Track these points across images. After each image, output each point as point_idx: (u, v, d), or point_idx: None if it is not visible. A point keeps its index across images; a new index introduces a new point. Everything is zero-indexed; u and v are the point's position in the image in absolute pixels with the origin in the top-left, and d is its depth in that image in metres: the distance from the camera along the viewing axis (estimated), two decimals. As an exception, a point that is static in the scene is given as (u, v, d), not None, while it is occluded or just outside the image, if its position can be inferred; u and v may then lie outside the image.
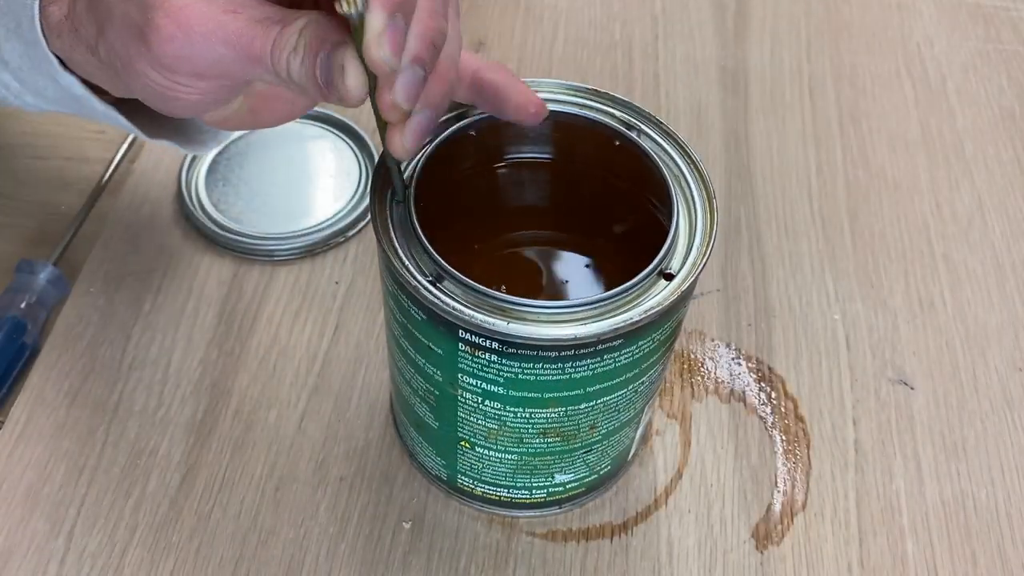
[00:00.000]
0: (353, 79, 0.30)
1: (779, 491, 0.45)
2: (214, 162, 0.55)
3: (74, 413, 0.46)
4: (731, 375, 0.49)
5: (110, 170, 0.56)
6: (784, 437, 0.47)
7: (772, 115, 0.61)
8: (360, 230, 0.53)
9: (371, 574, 0.41)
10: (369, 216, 0.34)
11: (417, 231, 0.33)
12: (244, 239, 0.52)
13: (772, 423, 0.47)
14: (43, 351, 0.48)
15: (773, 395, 0.48)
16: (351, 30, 0.29)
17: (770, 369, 0.49)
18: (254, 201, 0.54)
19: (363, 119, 0.58)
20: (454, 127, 0.37)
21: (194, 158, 0.55)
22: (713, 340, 0.50)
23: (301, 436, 0.45)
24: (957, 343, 0.51)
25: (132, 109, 0.39)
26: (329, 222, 0.53)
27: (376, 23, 0.28)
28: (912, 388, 0.49)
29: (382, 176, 0.35)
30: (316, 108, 0.57)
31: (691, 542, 0.43)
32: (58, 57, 0.37)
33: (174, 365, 0.47)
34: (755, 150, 0.59)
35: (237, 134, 0.44)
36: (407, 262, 0.33)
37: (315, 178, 0.56)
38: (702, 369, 0.49)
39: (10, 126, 0.58)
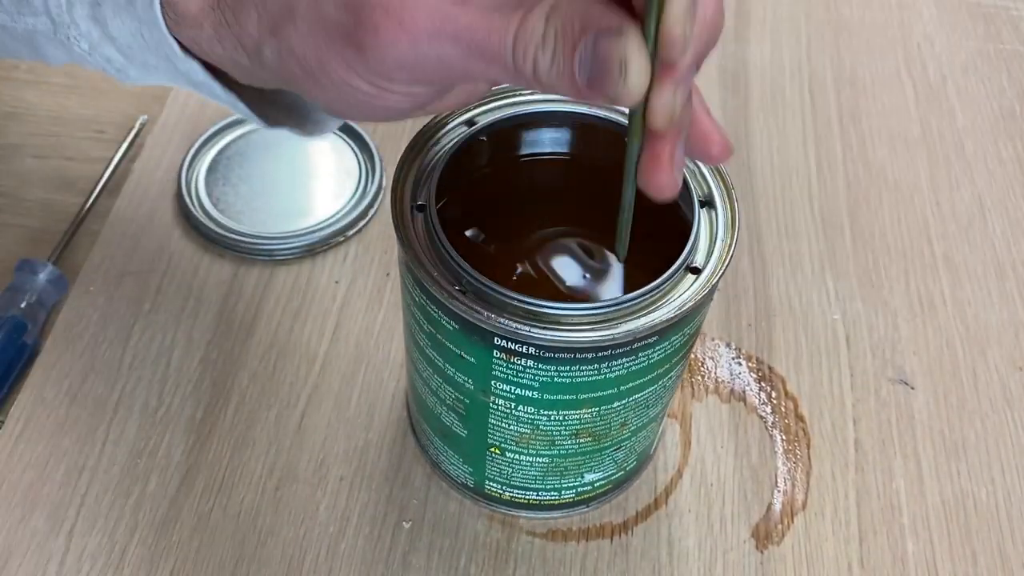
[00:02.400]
0: (637, 75, 0.24)
1: (779, 491, 0.45)
2: (214, 162, 0.55)
3: (74, 413, 0.46)
4: (731, 375, 0.49)
5: (110, 169, 0.56)
6: (784, 437, 0.47)
7: (772, 115, 0.61)
8: (360, 230, 0.53)
9: (371, 574, 0.41)
10: (394, 230, 0.34)
11: (443, 242, 0.33)
12: (244, 239, 0.52)
13: (772, 423, 0.47)
14: (43, 351, 0.48)
15: (773, 395, 0.48)
16: (644, 4, 0.24)
17: (770, 369, 0.49)
18: (254, 201, 0.54)
19: (363, 119, 0.58)
20: (465, 133, 0.37)
21: (194, 156, 0.55)
22: (713, 340, 0.50)
23: (301, 436, 0.45)
24: (957, 343, 0.51)
25: (253, 96, 0.35)
26: (329, 222, 0.53)
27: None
28: (912, 388, 0.49)
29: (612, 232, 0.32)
30: (316, 108, 0.57)
31: (691, 542, 0.43)
32: (177, 40, 0.33)
33: (174, 364, 0.47)
34: (755, 150, 0.59)
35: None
36: (436, 273, 0.33)
37: (315, 178, 0.56)
38: (702, 369, 0.49)
39: (11, 126, 0.58)
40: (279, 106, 0.36)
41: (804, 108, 0.62)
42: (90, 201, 0.54)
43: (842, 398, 0.48)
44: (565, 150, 0.40)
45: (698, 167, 0.37)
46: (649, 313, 0.32)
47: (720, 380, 0.49)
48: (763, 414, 0.47)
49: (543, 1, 0.25)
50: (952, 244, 0.55)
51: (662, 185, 0.27)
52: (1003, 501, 0.45)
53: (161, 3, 0.32)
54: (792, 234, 0.55)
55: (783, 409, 0.48)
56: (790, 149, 0.59)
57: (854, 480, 0.45)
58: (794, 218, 0.56)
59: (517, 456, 0.38)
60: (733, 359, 0.49)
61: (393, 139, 0.58)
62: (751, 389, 0.48)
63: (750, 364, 0.49)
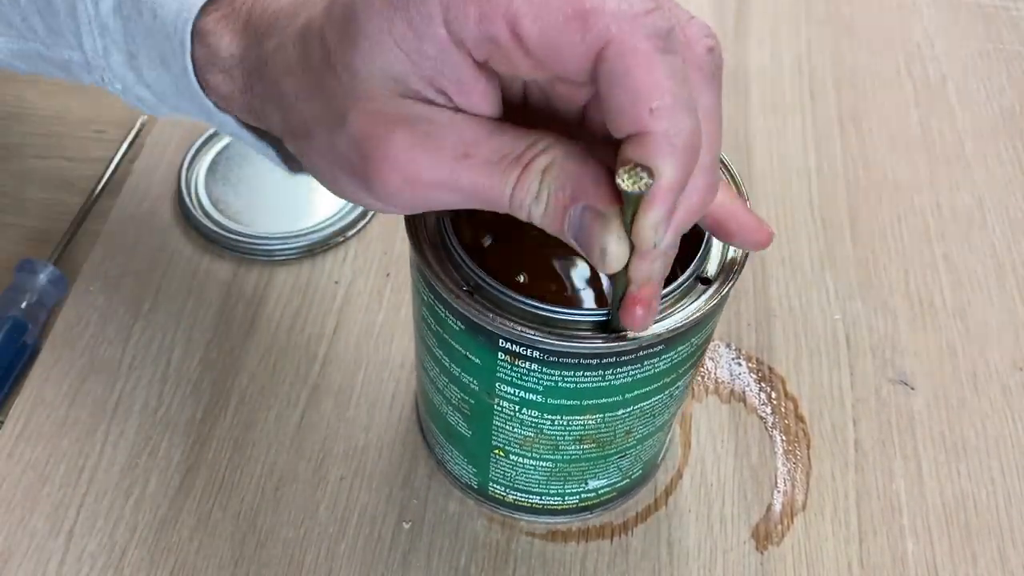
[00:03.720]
0: (613, 257, 0.27)
1: (779, 491, 0.45)
2: (214, 162, 0.55)
3: (74, 413, 0.46)
4: (731, 375, 0.49)
5: (110, 170, 0.56)
6: (784, 437, 0.47)
7: (772, 115, 0.61)
8: (360, 230, 0.53)
9: (371, 574, 0.41)
10: (404, 228, 0.34)
11: (452, 242, 0.33)
12: (244, 239, 0.52)
13: (772, 423, 0.47)
14: (43, 351, 0.48)
15: (773, 395, 0.48)
16: (621, 198, 0.26)
17: (770, 369, 0.49)
18: (254, 201, 0.54)
19: (363, 119, 0.58)
20: None
21: (194, 157, 0.55)
22: (713, 340, 0.50)
23: (301, 436, 0.45)
24: (957, 343, 0.51)
25: (283, 147, 0.37)
26: (329, 222, 0.53)
27: (659, 211, 0.26)
28: (912, 388, 0.49)
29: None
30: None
31: (691, 542, 0.43)
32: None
33: (174, 365, 0.47)
34: (755, 150, 0.59)
35: None
36: (443, 273, 0.33)
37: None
38: (702, 369, 0.49)
39: (12, 126, 0.58)
40: None
41: (804, 108, 0.62)
42: (90, 201, 0.54)
43: (842, 398, 0.48)
44: None
45: None
46: (657, 322, 0.32)
47: (720, 380, 0.49)
48: (763, 414, 0.47)
49: (538, 159, 0.27)
50: (952, 244, 0.55)
51: (636, 326, 0.30)
52: (1003, 502, 0.45)
53: (195, 70, 0.34)
54: (792, 234, 0.55)
55: (783, 409, 0.48)
56: (790, 149, 0.59)
57: (854, 480, 0.45)
58: (794, 218, 0.56)
59: (521, 459, 0.38)
60: (733, 359, 0.49)
61: (393, 139, 0.58)
62: (751, 389, 0.48)
63: (750, 364, 0.49)
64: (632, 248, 0.27)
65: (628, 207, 0.26)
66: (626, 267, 0.28)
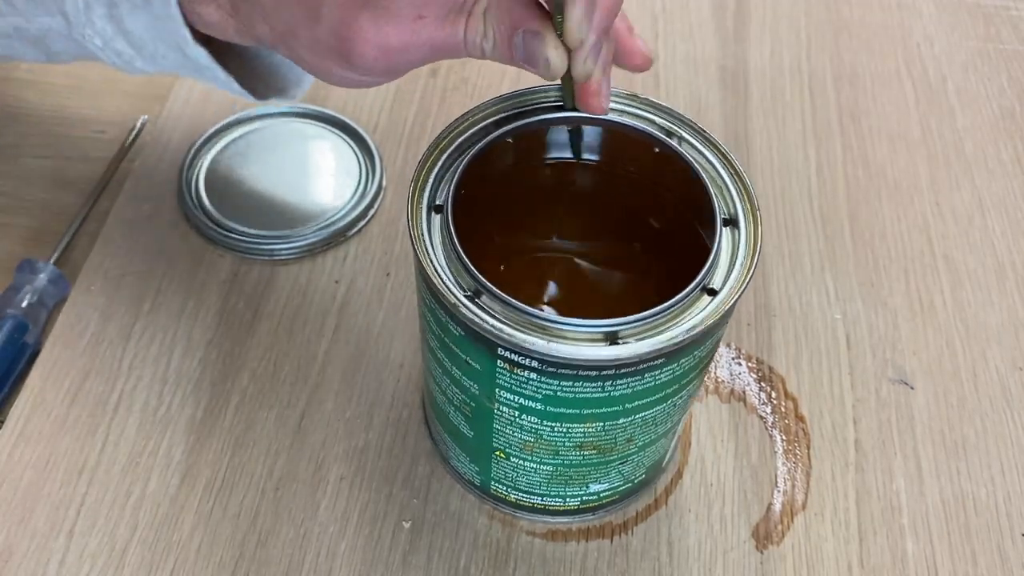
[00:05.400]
0: (555, 64, 0.33)
1: (779, 491, 0.45)
2: (214, 162, 0.55)
3: (74, 413, 0.46)
4: (731, 375, 0.49)
5: (110, 169, 0.56)
6: (784, 437, 0.47)
7: (772, 115, 0.61)
8: (360, 230, 0.53)
9: (371, 574, 0.41)
10: (407, 229, 0.34)
11: (456, 245, 0.33)
12: (244, 239, 0.52)
13: (772, 423, 0.47)
14: (43, 351, 0.48)
15: (773, 395, 0.48)
16: (550, 7, 0.33)
17: (770, 369, 0.49)
18: (254, 201, 0.54)
19: (363, 118, 0.58)
20: (492, 135, 0.36)
21: (194, 157, 0.55)
22: (713, 340, 0.50)
23: (301, 436, 0.45)
24: (957, 342, 0.51)
25: (246, 76, 0.43)
26: (329, 222, 0.53)
27: (579, 10, 0.32)
28: (912, 387, 0.49)
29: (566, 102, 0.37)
30: (316, 108, 0.57)
31: (691, 542, 0.43)
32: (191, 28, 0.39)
33: (174, 364, 0.47)
34: (755, 150, 0.59)
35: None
36: (445, 277, 0.32)
37: (315, 178, 0.56)
38: (702, 369, 0.49)
39: (11, 126, 0.58)
40: (267, 84, 0.45)
41: (804, 108, 0.62)
42: (90, 201, 0.54)
43: (842, 398, 0.48)
44: (590, 158, 0.40)
45: (726, 183, 0.36)
46: (658, 334, 0.31)
47: (720, 380, 0.49)
48: (763, 414, 0.47)
49: (478, 4, 0.34)
50: (952, 244, 0.55)
51: (594, 108, 0.36)
52: (1003, 501, 0.45)
53: (180, 5, 0.38)
54: (792, 234, 0.55)
55: (783, 409, 0.48)
56: (790, 149, 0.59)
57: (854, 480, 0.45)
58: (794, 218, 0.56)
59: (522, 462, 0.38)
60: (733, 359, 0.49)
61: (393, 139, 0.58)
62: (751, 389, 0.48)
63: (750, 364, 0.49)
64: (569, 53, 0.33)
65: (557, 18, 0.32)
66: (570, 73, 0.34)
